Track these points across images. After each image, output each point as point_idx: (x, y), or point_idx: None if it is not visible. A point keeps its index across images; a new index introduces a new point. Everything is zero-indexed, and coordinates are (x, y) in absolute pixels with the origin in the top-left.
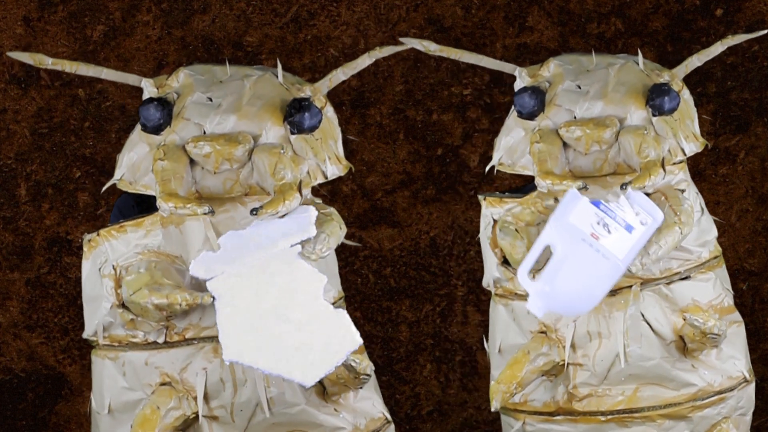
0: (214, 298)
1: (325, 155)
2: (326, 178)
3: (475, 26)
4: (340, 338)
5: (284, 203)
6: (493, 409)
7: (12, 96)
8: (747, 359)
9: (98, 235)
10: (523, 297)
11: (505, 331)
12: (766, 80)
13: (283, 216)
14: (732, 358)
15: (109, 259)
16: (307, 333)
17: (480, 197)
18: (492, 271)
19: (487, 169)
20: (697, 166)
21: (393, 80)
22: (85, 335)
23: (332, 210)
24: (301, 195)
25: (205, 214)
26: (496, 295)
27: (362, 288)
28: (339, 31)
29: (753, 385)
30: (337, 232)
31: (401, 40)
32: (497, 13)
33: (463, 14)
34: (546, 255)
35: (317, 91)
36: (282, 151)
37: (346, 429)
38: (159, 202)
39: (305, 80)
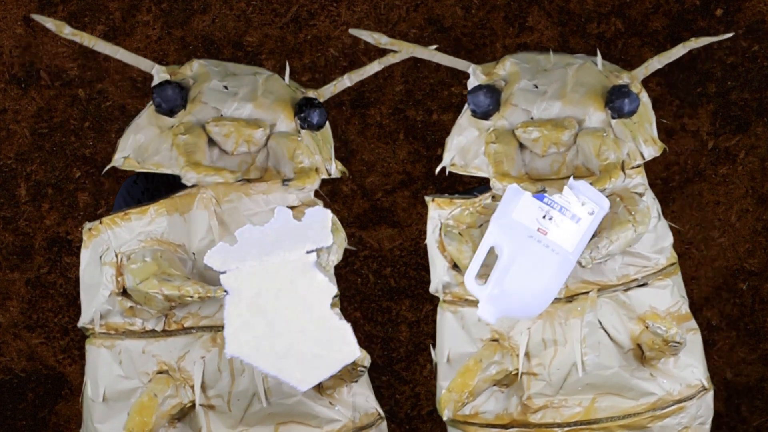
0: (227, 293)
1: (329, 155)
2: (329, 175)
3: (475, 26)
4: (340, 349)
5: (308, 180)
6: (444, 419)
7: (12, 96)
8: (704, 367)
9: (101, 223)
10: (473, 303)
11: (453, 340)
12: (766, 80)
13: (299, 218)
14: (690, 366)
15: (111, 246)
16: (310, 340)
17: (427, 198)
18: (441, 276)
19: (438, 170)
20: (697, 166)
21: (393, 80)
22: (80, 324)
23: (335, 218)
24: (320, 179)
25: (237, 181)
26: (444, 302)
27: (362, 288)
28: (339, 31)
29: (711, 394)
30: (344, 242)
31: (350, 31)
32: (497, 13)
33: (463, 14)
34: (494, 257)
35: (320, 96)
36: (300, 139)
37: (341, 421)
38: (184, 172)
39: (304, 81)
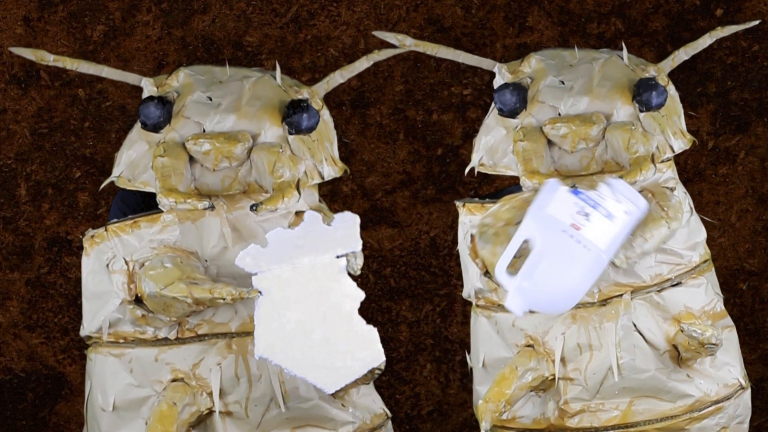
0: (260, 293)
1: (322, 156)
2: (323, 178)
3: (475, 26)
4: (367, 353)
5: (283, 200)
6: (483, 431)
7: (12, 96)
8: (741, 365)
9: (106, 230)
10: (507, 309)
11: (488, 344)
12: (766, 80)
13: (330, 224)
14: (727, 365)
15: (119, 254)
16: (338, 343)
17: (458, 204)
18: (473, 281)
19: (467, 170)
20: (697, 166)
21: (393, 80)
22: (83, 333)
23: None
24: (299, 193)
25: (205, 209)
26: (478, 306)
27: (362, 288)
28: (339, 31)
29: (749, 392)
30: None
31: (374, 33)
32: (497, 13)
33: (463, 14)
34: (527, 251)
35: (315, 94)
36: (281, 150)
37: (355, 423)
38: (159, 198)
39: (304, 81)
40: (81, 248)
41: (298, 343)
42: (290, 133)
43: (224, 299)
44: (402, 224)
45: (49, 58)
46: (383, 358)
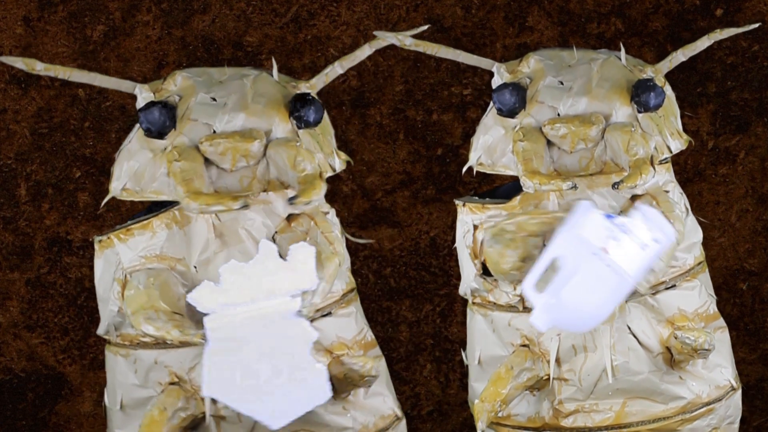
0: (204, 341)
1: (330, 149)
2: (334, 170)
3: (475, 26)
4: (313, 391)
5: (315, 191)
6: (479, 430)
7: (12, 96)
8: (733, 366)
9: (108, 237)
10: (503, 307)
11: (484, 342)
12: (766, 80)
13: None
14: (719, 367)
15: (121, 261)
16: (285, 383)
17: (458, 203)
18: (470, 281)
19: (465, 169)
20: (697, 166)
21: (393, 80)
22: (99, 332)
23: (336, 235)
24: (326, 185)
25: (240, 208)
26: (474, 303)
27: (362, 288)
28: (339, 31)
29: (740, 393)
30: (335, 273)
31: (375, 33)
32: (497, 13)
33: (463, 14)
34: (547, 270)
35: (313, 88)
36: (298, 144)
37: (353, 429)
38: (186, 203)
39: (303, 80)
40: (81, 248)
41: (245, 382)
42: (299, 128)
43: (171, 341)
44: (402, 224)
45: (38, 67)
46: (329, 395)
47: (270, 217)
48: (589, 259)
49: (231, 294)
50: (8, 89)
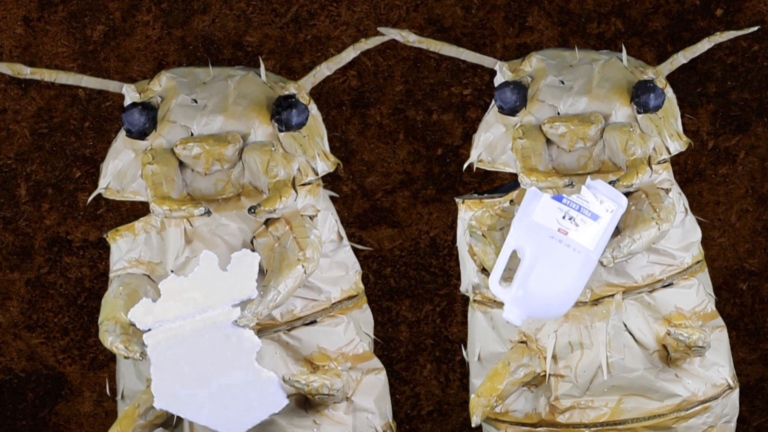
0: (142, 358)
1: (314, 152)
2: (317, 174)
3: (475, 26)
4: (267, 399)
5: (281, 200)
6: (473, 425)
7: (12, 96)
8: (731, 365)
9: (107, 236)
10: (502, 304)
11: (484, 339)
12: (766, 80)
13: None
14: (716, 365)
15: (113, 260)
16: (237, 392)
17: (457, 200)
18: (470, 277)
19: (465, 166)
20: (697, 166)
21: (393, 80)
22: None
23: (312, 240)
24: (296, 192)
25: (201, 215)
26: (475, 301)
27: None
28: (339, 31)
29: (737, 392)
30: (298, 280)
31: (379, 29)
32: (497, 13)
33: (463, 14)
34: (517, 260)
35: (301, 89)
36: (273, 149)
37: None
38: (152, 207)
39: (291, 81)
40: (81, 248)
41: (196, 394)
42: (280, 131)
43: (121, 355)
44: (402, 224)
45: (25, 72)
46: (285, 402)
47: (246, 222)
48: (548, 244)
49: (171, 308)
50: (8, 89)
